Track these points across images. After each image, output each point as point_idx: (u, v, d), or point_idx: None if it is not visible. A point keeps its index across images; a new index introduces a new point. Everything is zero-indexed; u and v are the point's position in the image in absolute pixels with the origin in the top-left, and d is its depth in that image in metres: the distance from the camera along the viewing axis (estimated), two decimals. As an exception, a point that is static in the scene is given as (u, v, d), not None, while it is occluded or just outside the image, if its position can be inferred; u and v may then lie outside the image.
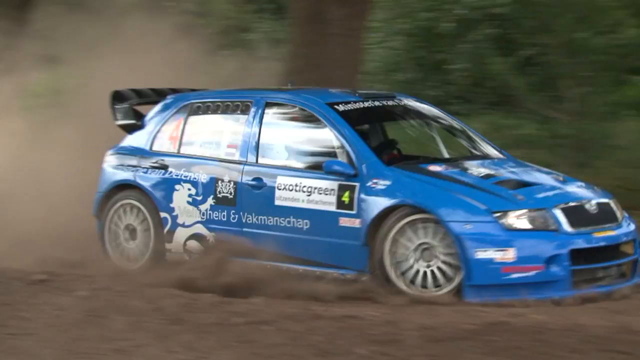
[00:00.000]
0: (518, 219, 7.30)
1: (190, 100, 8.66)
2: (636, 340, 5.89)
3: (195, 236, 8.34)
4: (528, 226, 7.29)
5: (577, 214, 7.43)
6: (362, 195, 7.72)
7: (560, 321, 6.43)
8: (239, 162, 8.25)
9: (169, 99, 8.80)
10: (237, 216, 8.19)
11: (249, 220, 8.14)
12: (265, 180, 8.11)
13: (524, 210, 7.34)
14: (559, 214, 7.35)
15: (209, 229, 8.29)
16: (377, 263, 7.50)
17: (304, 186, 7.96)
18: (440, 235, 7.34)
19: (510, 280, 7.18)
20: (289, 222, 7.99)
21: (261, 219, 8.09)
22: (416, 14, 13.71)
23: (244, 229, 8.14)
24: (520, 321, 6.48)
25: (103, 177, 8.80)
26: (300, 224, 7.95)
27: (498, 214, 7.29)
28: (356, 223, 7.72)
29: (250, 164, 8.21)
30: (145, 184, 8.59)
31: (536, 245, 7.24)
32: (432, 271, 7.36)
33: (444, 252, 7.33)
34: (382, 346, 5.95)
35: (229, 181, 8.25)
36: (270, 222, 8.05)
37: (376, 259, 7.52)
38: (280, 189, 8.05)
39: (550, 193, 7.61)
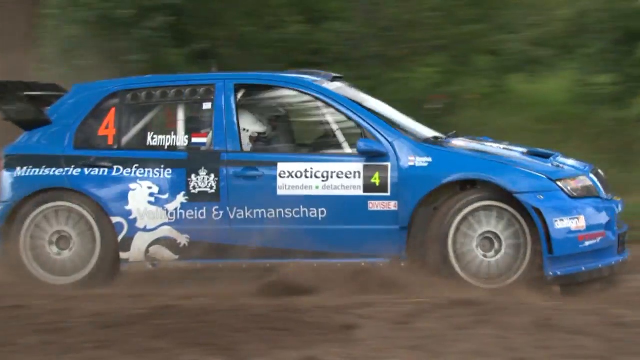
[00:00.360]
0: (576, 186, 7.16)
1: (118, 89, 7.69)
2: (293, 317, 6.24)
3: (162, 240, 7.42)
4: (583, 193, 7.19)
5: (602, 180, 7.45)
6: (399, 175, 7.18)
7: (227, 303, 6.67)
8: (217, 152, 7.43)
9: (81, 89, 7.81)
10: (221, 212, 7.35)
11: (240, 215, 7.33)
12: (260, 169, 7.36)
13: (581, 177, 7.26)
14: (595, 180, 7.35)
15: (182, 231, 7.42)
16: (433, 250, 7.07)
17: (317, 171, 7.29)
18: (505, 220, 7.06)
19: (584, 249, 7.05)
20: (297, 213, 7.29)
21: (257, 212, 7.32)
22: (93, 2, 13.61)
23: (233, 226, 7.34)
24: (189, 304, 6.63)
25: (8, 183, 7.61)
26: (314, 213, 7.27)
27: (560, 183, 7.12)
28: (391, 206, 7.20)
29: (234, 152, 7.42)
30: (86, 186, 7.48)
31: (596, 212, 7.16)
32: (496, 260, 7.07)
33: (508, 238, 7.07)
34: (49, 335, 5.93)
35: (208, 174, 7.41)
36: (271, 215, 7.30)
37: (429, 245, 7.09)
38: (283, 177, 7.31)
39: (570, 161, 7.55)
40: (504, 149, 7.54)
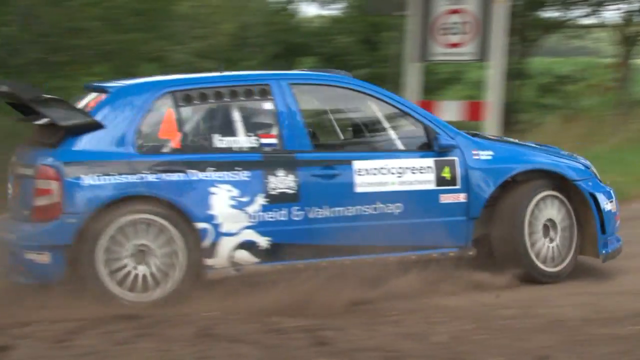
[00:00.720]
0: (597, 174, 8.05)
1: (171, 89, 7.23)
2: None
3: (244, 244, 7.14)
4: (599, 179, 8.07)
5: None
6: (467, 168, 7.61)
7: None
8: (291, 152, 7.32)
9: (126, 91, 7.23)
10: (301, 212, 7.26)
11: (319, 214, 7.29)
12: (337, 167, 7.38)
13: (593, 167, 8.11)
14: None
15: (263, 233, 7.17)
16: (513, 240, 7.58)
17: (393, 167, 7.47)
18: (556, 206, 7.79)
19: (617, 229, 8.03)
20: (375, 209, 7.42)
21: (337, 211, 7.33)
22: None
23: (313, 226, 7.27)
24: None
25: (76, 193, 6.78)
26: (390, 209, 7.44)
27: (591, 170, 8.02)
28: (461, 198, 7.57)
29: (308, 152, 7.36)
30: (166, 192, 6.94)
31: (612, 196, 8.04)
32: (556, 244, 7.78)
33: (562, 222, 7.81)
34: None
35: (287, 174, 7.26)
36: (350, 212, 7.35)
37: (504, 234, 7.60)
38: (360, 175, 7.40)
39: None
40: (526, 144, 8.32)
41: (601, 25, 19.74)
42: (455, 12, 12.02)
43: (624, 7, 19.04)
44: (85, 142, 6.97)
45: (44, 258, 6.77)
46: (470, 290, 7.33)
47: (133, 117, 7.10)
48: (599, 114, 17.47)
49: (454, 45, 11.99)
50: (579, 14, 19.39)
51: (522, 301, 7.17)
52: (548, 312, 6.83)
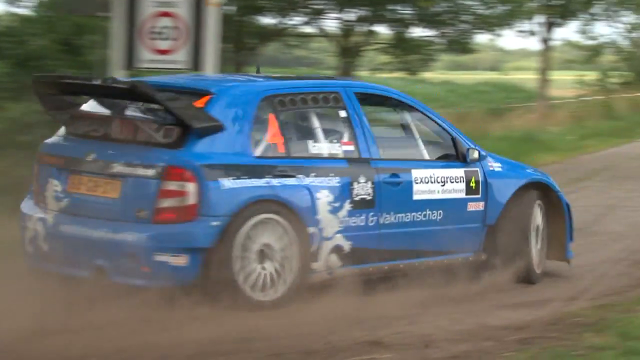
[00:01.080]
0: None
1: (268, 93, 7.50)
2: None
3: (335, 248, 7.54)
4: None
5: None
6: (486, 179, 8.34)
7: None
8: (365, 160, 7.76)
9: (230, 92, 7.39)
10: (375, 218, 7.74)
11: (387, 220, 7.80)
12: (401, 175, 7.90)
13: None
14: None
15: (347, 238, 7.60)
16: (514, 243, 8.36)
17: (438, 177, 8.07)
18: (542, 215, 8.69)
19: None
20: (424, 216, 8.01)
21: (399, 217, 7.86)
22: None
23: (382, 231, 7.78)
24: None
25: (217, 196, 6.92)
26: (434, 216, 8.04)
27: None
28: (480, 206, 8.31)
29: (379, 160, 7.84)
30: (287, 196, 7.27)
31: None
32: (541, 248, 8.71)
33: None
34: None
35: (366, 181, 7.66)
36: (408, 218, 7.90)
37: (513, 239, 8.36)
38: (417, 183, 7.96)
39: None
40: None
41: (321, 35, 18.94)
42: (165, 14, 10.76)
43: (342, 17, 18.33)
44: (210, 144, 7.03)
45: (180, 260, 6.80)
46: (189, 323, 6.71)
47: (245, 120, 7.24)
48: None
49: (164, 52, 10.74)
50: (297, 22, 18.48)
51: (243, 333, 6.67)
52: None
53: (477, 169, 8.28)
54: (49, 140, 7.55)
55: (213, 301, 6.75)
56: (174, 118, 6.98)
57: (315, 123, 7.60)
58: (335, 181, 7.46)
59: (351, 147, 7.67)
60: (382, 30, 19.04)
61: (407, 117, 8.24)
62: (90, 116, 7.35)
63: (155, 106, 7.09)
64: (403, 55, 18.82)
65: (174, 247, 6.75)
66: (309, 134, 7.56)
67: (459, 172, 8.18)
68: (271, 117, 7.37)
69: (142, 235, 6.77)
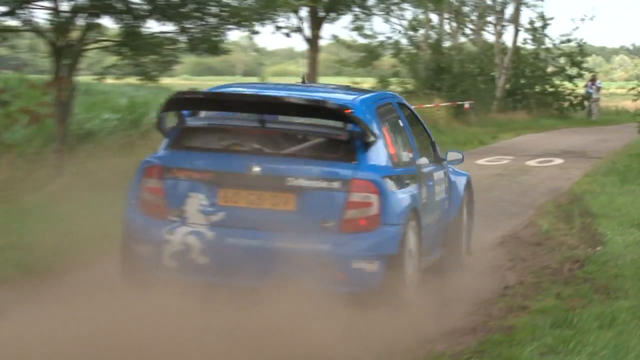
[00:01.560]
0: None
1: (377, 105, 8.25)
2: None
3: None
4: None
5: None
6: (450, 179, 9.43)
7: None
8: (419, 166, 8.46)
9: (366, 103, 8.09)
10: (423, 221, 8.26)
11: (426, 221, 8.28)
12: (432, 179, 8.69)
13: None
14: None
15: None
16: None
17: (439, 179, 8.96)
18: None
19: None
20: (435, 216, 8.72)
21: (430, 217, 8.48)
22: None
23: (423, 232, 8.18)
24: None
25: (395, 206, 7.65)
26: (436, 216, 8.78)
27: None
28: (447, 204, 9.39)
29: (424, 166, 8.60)
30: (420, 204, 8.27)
31: None
32: None
33: None
34: None
35: (423, 187, 8.37)
36: (432, 219, 8.58)
37: None
38: (438, 184, 8.84)
39: None
40: None
41: (28, 30, 14.72)
42: None
43: (55, 6, 14.21)
44: (374, 157, 7.70)
45: (372, 267, 7.44)
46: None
47: (381, 132, 7.86)
48: (32, 150, 14.23)
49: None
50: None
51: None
52: None
53: (447, 169, 9.32)
54: (167, 154, 7.62)
55: (385, 305, 7.28)
56: (350, 133, 7.58)
57: (399, 131, 8.33)
58: (413, 188, 8.10)
59: (412, 155, 8.44)
60: (109, 24, 15.04)
61: (415, 123, 8.86)
62: (236, 130, 7.66)
63: (324, 121, 7.63)
64: (135, 56, 14.92)
65: (369, 255, 7.39)
66: (398, 143, 8.20)
67: (442, 174, 9.06)
68: (385, 128, 8.06)
69: (338, 244, 7.35)
